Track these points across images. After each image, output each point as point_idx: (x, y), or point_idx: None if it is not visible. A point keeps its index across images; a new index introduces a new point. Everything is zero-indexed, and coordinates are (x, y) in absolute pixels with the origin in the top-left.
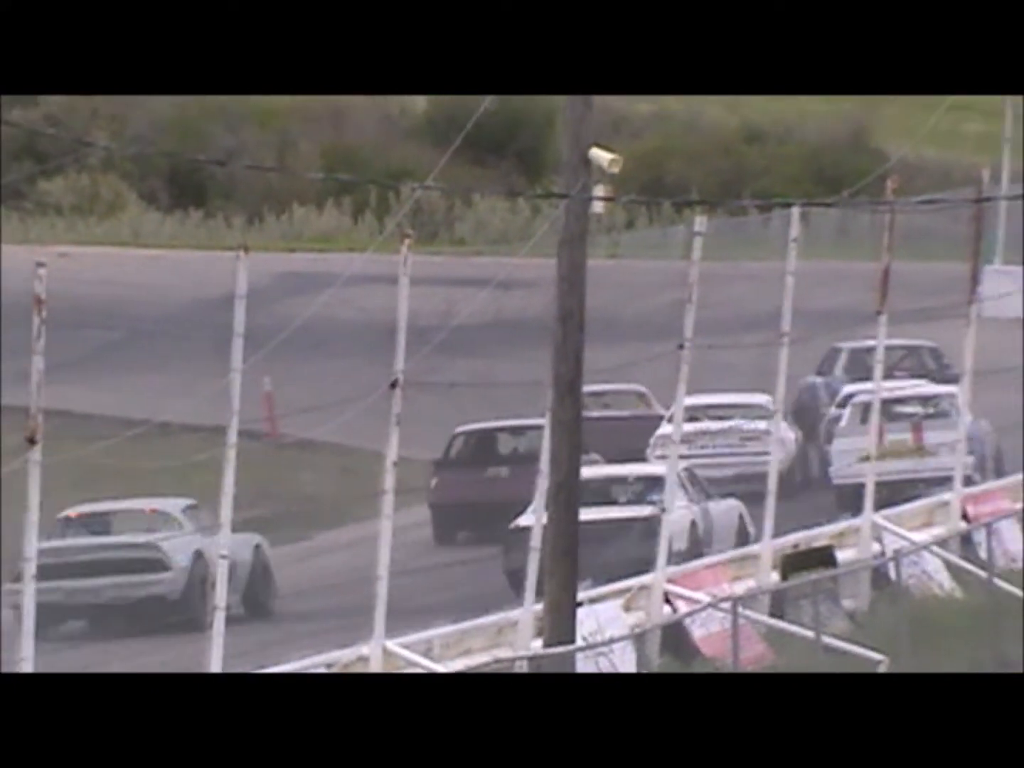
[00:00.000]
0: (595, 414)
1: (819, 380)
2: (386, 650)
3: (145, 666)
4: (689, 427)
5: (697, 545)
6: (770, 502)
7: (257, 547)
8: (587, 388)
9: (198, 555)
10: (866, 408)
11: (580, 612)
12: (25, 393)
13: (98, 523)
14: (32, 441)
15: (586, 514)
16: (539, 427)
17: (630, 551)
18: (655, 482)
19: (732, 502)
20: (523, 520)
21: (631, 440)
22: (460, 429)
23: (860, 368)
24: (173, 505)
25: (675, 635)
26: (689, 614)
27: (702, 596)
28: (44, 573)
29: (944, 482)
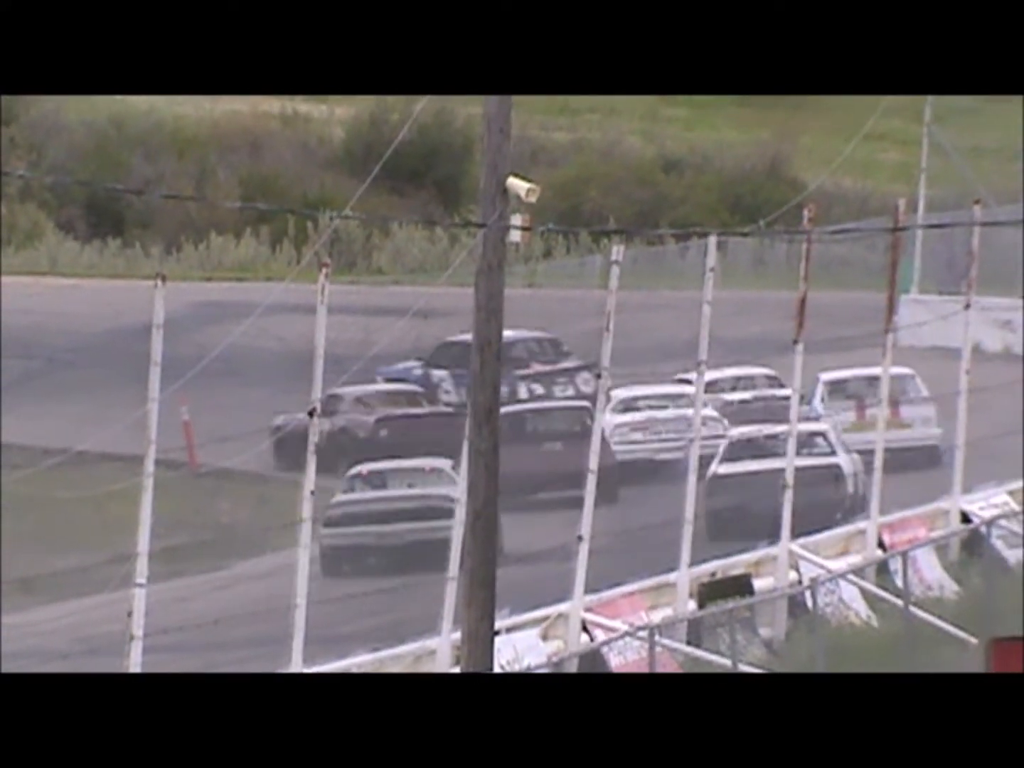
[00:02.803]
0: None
1: (417, 365)
2: None
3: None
4: (640, 416)
5: (857, 489)
6: (687, 531)
7: None
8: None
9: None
10: (835, 385)
11: (498, 641)
12: None
13: (379, 479)
14: None
15: (763, 464)
16: (561, 408)
17: (818, 496)
18: (811, 437)
19: (856, 456)
20: (721, 469)
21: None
22: None
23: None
24: (444, 463)
25: (592, 663)
26: (606, 642)
27: (619, 624)
28: (351, 519)
29: (922, 451)
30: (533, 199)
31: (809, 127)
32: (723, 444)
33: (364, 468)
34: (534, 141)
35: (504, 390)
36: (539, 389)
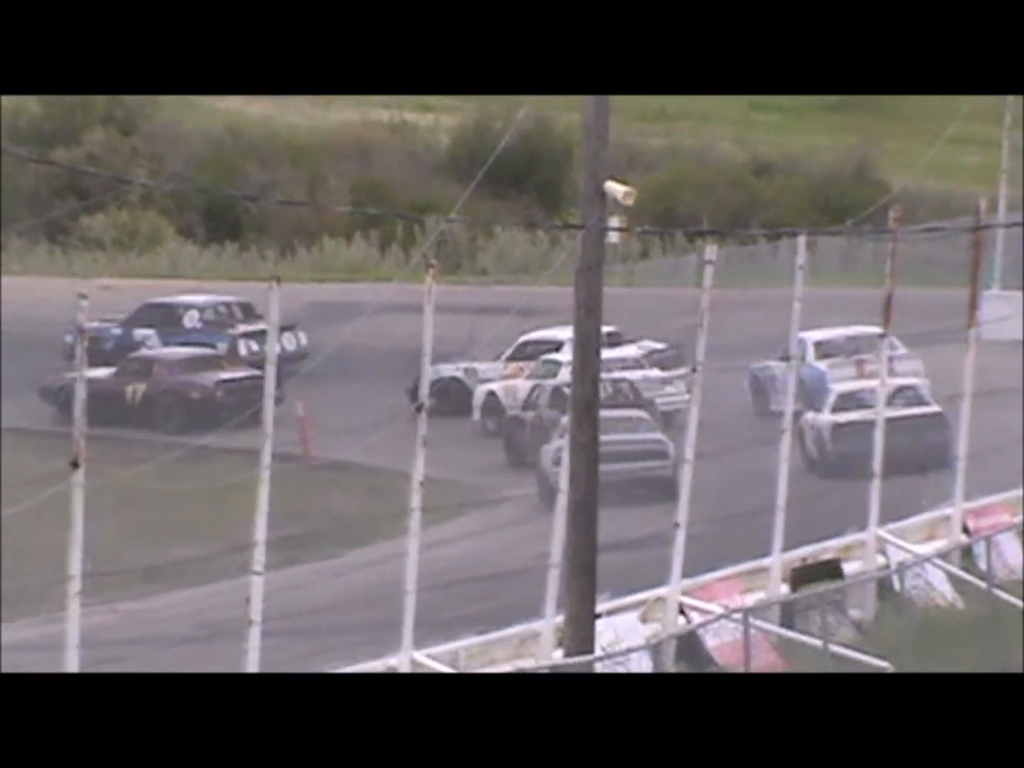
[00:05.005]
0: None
1: (113, 325)
2: (414, 660)
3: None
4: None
5: None
6: (779, 518)
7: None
8: None
9: (675, 448)
10: (821, 346)
11: (599, 623)
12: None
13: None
14: (75, 465)
15: (871, 414)
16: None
17: (930, 440)
18: (902, 390)
19: None
20: (839, 418)
21: None
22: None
23: None
24: (645, 414)
25: (690, 645)
26: (703, 624)
27: (715, 607)
28: None
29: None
30: (630, 202)
31: (894, 132)
32: (831, 397)
33: None
34: (631, 147)
35: (223, 345)
36: (255, 346)
